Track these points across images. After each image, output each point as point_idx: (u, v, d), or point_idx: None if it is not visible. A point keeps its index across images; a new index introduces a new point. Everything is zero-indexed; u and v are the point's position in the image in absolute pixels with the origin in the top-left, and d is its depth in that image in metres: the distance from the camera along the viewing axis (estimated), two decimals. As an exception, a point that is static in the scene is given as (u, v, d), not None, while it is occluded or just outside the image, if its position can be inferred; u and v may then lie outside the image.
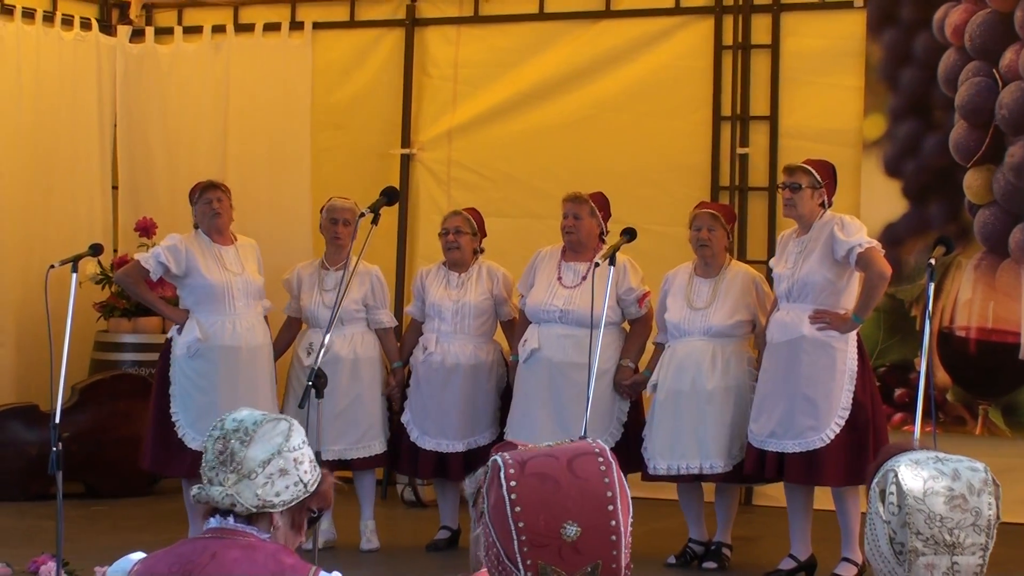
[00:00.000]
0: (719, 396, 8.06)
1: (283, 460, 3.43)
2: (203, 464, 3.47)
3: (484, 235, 8.72)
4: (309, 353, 8.37)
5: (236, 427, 3.45)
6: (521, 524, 2.68)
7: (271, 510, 3.43)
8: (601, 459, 2.74)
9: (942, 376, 9.26)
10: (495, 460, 2.71)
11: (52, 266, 7.42)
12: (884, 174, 9.44)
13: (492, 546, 2.71)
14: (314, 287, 8.63)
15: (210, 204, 8.42)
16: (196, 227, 8.50)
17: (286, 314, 8.79)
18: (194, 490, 3.48)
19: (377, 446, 8.65)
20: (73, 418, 9.47)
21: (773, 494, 9.29)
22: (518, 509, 2.68)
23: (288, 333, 8.79)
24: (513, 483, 2.68)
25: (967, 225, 9.23)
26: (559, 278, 8.40)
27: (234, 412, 3.50)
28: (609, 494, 2.73)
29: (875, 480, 2.91)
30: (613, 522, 2.72)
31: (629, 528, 2.74)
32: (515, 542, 2.69)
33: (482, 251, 8.71)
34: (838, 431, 7.70)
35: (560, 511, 2.70)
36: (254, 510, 3.42)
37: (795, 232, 7.97)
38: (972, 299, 9.24)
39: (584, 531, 2.70)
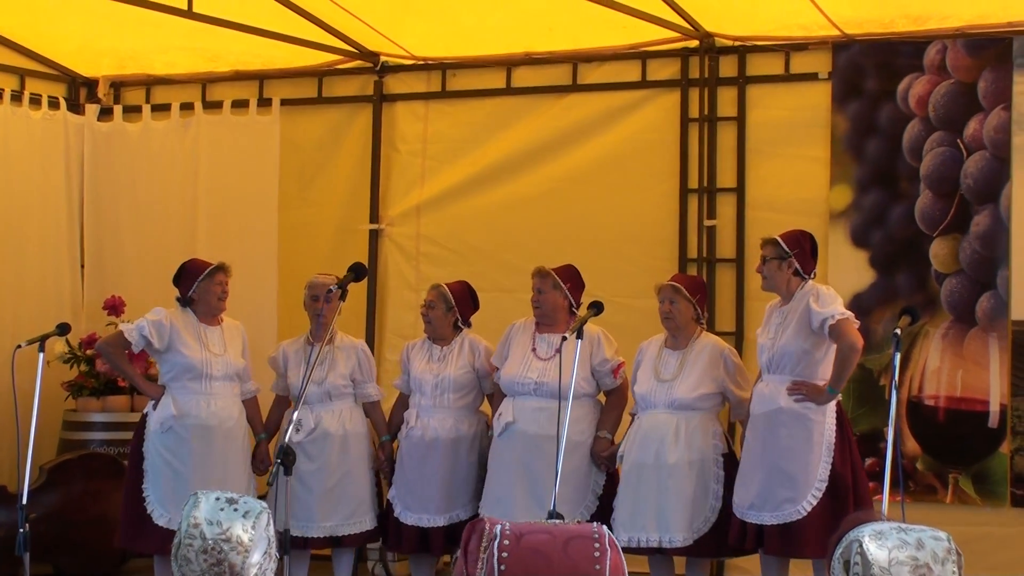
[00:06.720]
0: (682, 469, 8.00)
1: (272, 547, 3.41)
2: (185, 571, 3.35)
3: (475, 308, 8.71)
4: (298, 430, 8.37)
5: (223, 536, 3.34)
6: (507, 595, 2.68)
7: None
8: (597, 544, 2.74)
9: (912, 445, 9.26)
10: (495, 529, 2.71)
11: (19, 346, 7.41)
12: (851, 244, 9.46)
13: (478, 612, 2.71)
14: (300, 364, 8.62)
15: (222, 286, 8.49)
16: (183, 304, 8.51)
17: (274, 392, 8.78)
18: None
19: (367, 522, 8.63)
20: (41, 499, 9.39)
21: (745, 566, 9.25)
22: (505, 582, 2.68)
23: (277, 411, 8.76)
24: (505, 554, 2.68)
25: (934, 294, 9.26)
26: (533, 350, 8.40)
27: (198, 509, 3.37)
28: None
29: (838, 551, 2.91)
30: None
31: None
32: (499, 612, 2.68)
33: (469, 325, 8.70)
34: (815, 503, 7.67)
35: None
36: None
37: (779, 303, 8.00)
38: (940, 368, 9.24)
39: None
